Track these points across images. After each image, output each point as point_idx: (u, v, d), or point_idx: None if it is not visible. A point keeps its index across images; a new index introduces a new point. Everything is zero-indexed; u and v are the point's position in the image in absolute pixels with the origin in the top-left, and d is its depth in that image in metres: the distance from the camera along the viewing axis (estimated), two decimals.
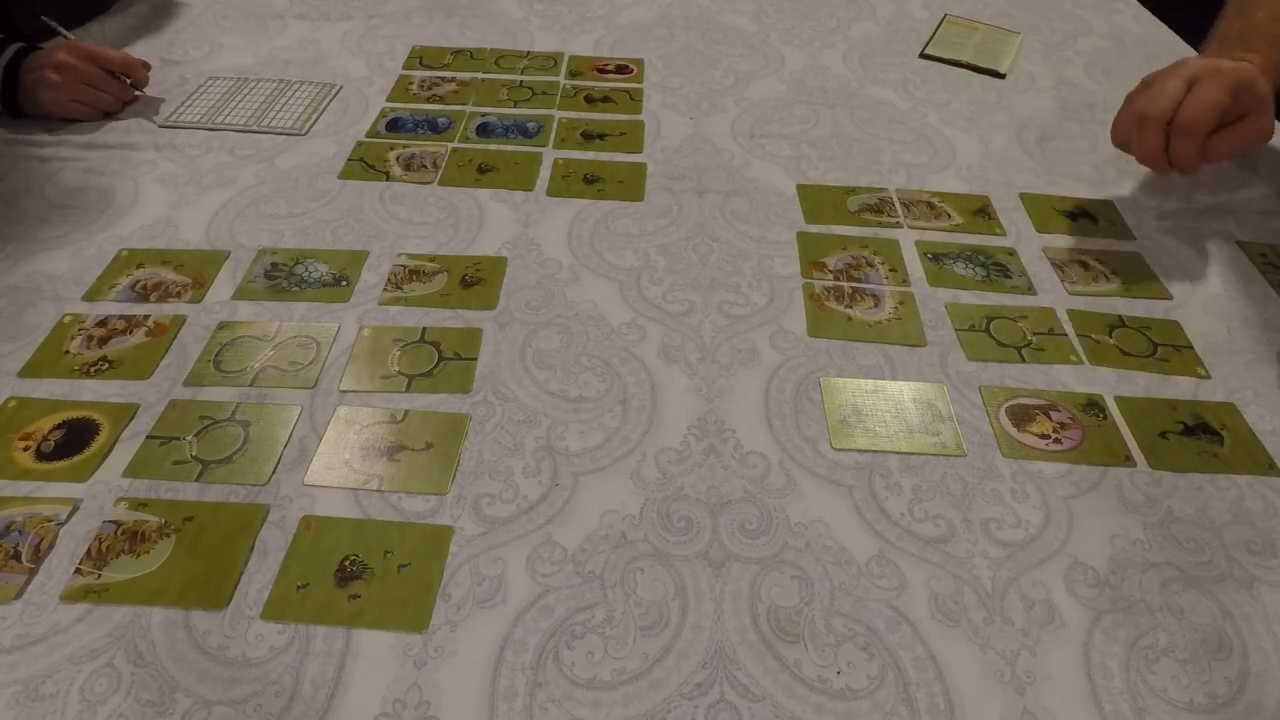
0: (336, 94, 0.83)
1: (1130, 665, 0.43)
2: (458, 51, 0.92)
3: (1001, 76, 0.91)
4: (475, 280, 0.63)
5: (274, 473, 0.49)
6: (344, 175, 0.73)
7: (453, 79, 0.87)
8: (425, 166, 0.74)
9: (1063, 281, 0.65)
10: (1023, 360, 0.59)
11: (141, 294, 0.60)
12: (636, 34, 0.97)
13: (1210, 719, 0.41)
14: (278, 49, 0.90)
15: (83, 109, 0.76)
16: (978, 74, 0.92)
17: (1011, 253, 0.68)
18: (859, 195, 0.73)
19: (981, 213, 0.72)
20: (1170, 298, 0.65)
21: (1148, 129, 0.62)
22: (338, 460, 0.50)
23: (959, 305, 0.63)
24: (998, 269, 0.66)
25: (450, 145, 0.77)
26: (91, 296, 0.60)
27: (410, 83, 0.86)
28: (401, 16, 0.98)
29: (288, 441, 0.51)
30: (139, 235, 0.66)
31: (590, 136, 0.79)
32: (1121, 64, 0.94)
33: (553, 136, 0.79)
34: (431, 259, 0.65)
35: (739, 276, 0.64)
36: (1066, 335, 0.61)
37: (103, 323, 0.58)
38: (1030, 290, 0.64)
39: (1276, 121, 0.66)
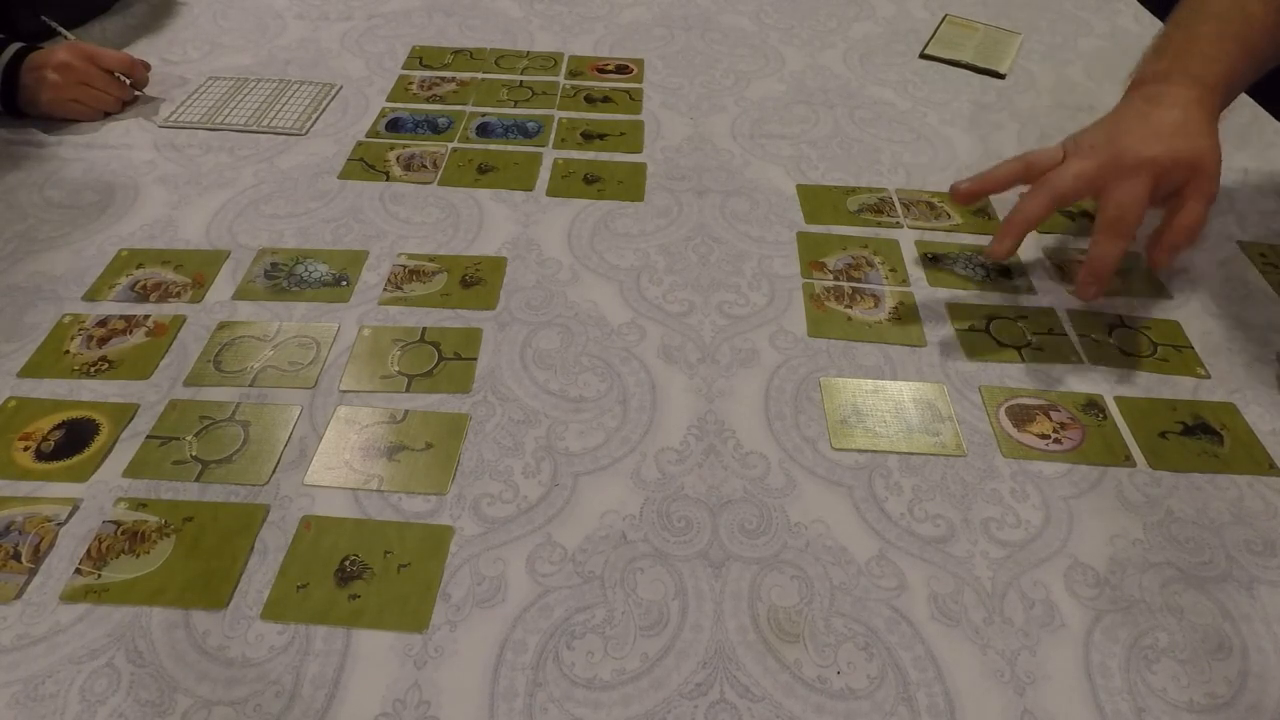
0: (336, 94, 0.83)
1: (1130, 665, 0.43)
2: (458, 51, 0.92)
3: (1001, 77, 0.91)
4: (475, 280, 0.63)
5: (274, 473, 0.49)
6: (344, 175, 0.73)
7: (453, 79, 0.87)
8: (425, 166, 0.74)
9: (1063, 282, 0.65)
10: (1023, 360, 0.59)
11: (141, 294, 0.60)
12: (636, 34, 0.97)
13: (1210, 719, 0.41)
14: (278, 49, 0.90)
15: (83, 109, 0.76)
16: (978, 74, 0.92)
17: None
18: (859, 195, 0.73)
19: (981, 213, 0.72)
20: (1170, 298, 0.65)
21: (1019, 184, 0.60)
22: (338, 460, 0.50)
23: (959, 305, 0.63)
24: (998, 269, 0.66)
25: (450, 145, 0.77)
26: (91, 296, 0.60)
27: (410, 83, 0.86)
28: (401, 16, 0.98)
29: (288, 441, 0.51)
30: (139, 235, 0.66)
31: (590, 136, 0.79)
32: (1121, 64, 0.94)
33: (553, 136, 0.79)
34: (431, 259, 0.65)
35: (739, 276, 0.64)
36: (1067, 335, 0.61)
37: (103, 323, 0.58)
38: (1030, 290, 0.64)
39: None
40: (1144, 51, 0.64)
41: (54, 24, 0.82)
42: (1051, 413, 0.55)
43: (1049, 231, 0.70)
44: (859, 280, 0.64)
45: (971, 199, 0.61)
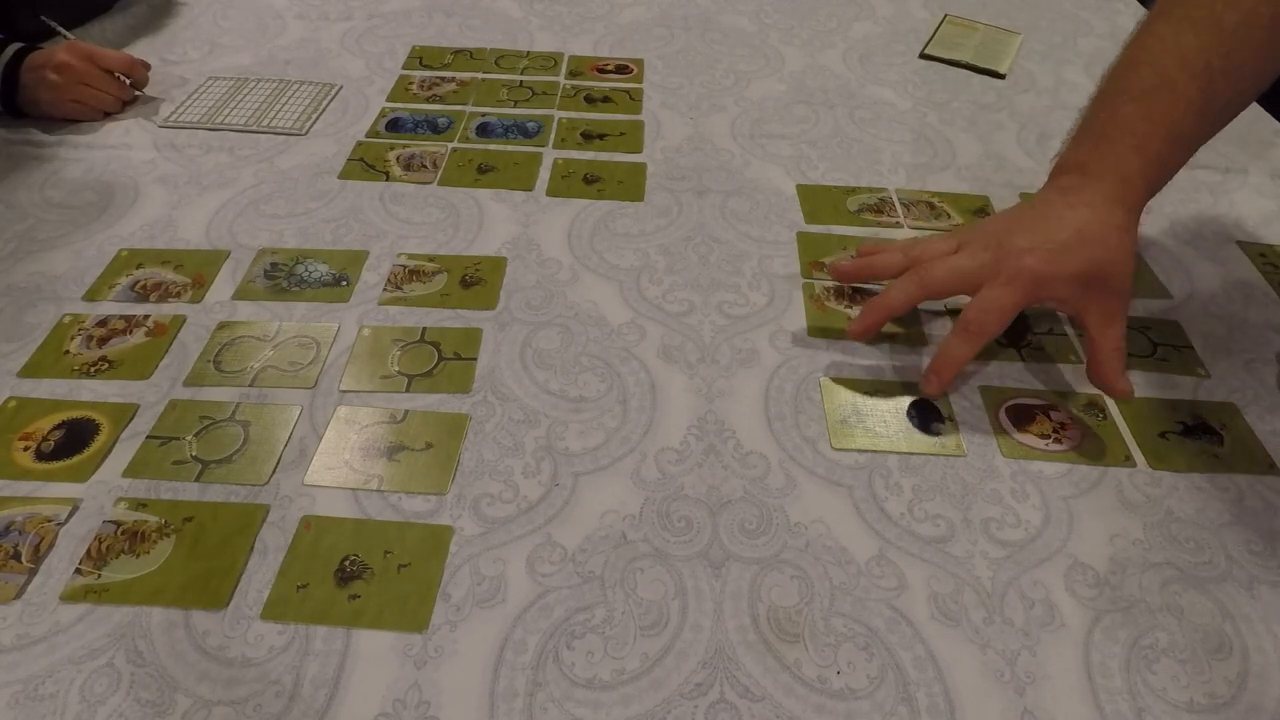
0: (336, 94, 0.83)
1: (1130, 665, 0.43)
2: (458, 51, 0.92)
3: (1001, 77, 0.91)
4: (475, 280, 0.63)
5: (274, 473, 0.49)
6: (344, 175, 0.73)
7: (453, 79, 0.87)
8: (425, 166, 0.74)
9: None
10: (1023, 360, 0.59)
11: (141, 294, 0.60)
12: (636, 34, 0.97)
13: (1210, 719, 0.41)
14: (278, 49, 0.90)
15: (83, 109, 0.76)
16: (978, 74, 0.92)
17: None
18: (859, 195, 0.73)
19: (981, 213, 0.72)
20: (1170, 297, 0.65)
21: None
22: (338, 460, 0.50)
23: (959, 302, 0.63)
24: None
25: (450, 145, 0.77)
26: (91, 296, 0.60)
27: (410, 83, 0.86)
28: (401, 16, 0.98)
29: (288, 441, 0.51)
30: (139, 235, 0.66)
31: (590, 136, 0.79)
32: None
33: (553, 136, 0.79)
34: (431, 259, 0.65)
35: (739, 276, 0.64)
36: (1066, 335, 0.61)
37: (103, 323, 0.58)
38: None
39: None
40: (1073, 124, 0.59)
41: (54, 24, 0.82)
42: (1051, 413, 0.55)
43: None
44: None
45: (850, 279, 0.62)
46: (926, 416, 0.54)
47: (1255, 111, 0.87)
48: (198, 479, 0.49)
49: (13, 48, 0.74)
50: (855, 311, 0.62)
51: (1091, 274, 0.52)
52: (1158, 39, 0.55)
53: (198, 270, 0.62)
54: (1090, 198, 0.53)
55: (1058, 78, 0.92)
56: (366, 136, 0.78)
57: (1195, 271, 0.67)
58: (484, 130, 0.79)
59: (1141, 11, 1.06)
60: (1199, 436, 0.54)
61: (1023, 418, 0.55)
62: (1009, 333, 0.57)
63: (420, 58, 0.90)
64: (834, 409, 0.55)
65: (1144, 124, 0.53)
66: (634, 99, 0.85)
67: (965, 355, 0.53)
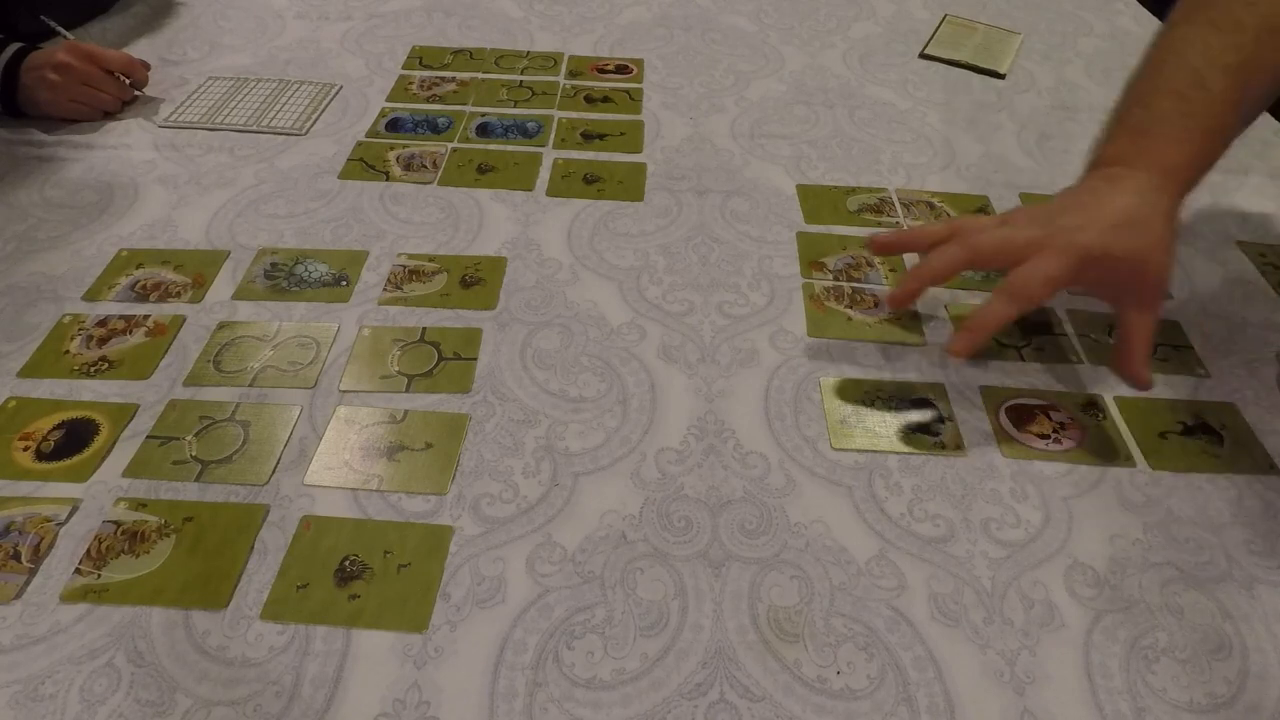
0: (336, 94, 0.83)
1: (1130, 665, 0.43)
2: (458, 51, 0.92)
3: (1001, 77, 0.91)
4: (475, 280, 0.63)
5: (274, 473, 0.49)
6: (344, 175, 0.73)
7: (453, 79, 0.87)
8: (425, 166, 0.74)
9: None
10: (1023, 360, 0.59)
11: (141, 294, 0.60)
12: (636, 34, 0.97)
13: (1210, 719, 0.41)
14: (278, 49, 0.90)
15: (82, 109, 0.76)
16: (978, 74, 0.92)
17: None
18: (859, 195, 0.73)
19: (981, 213, 0.72)
20: (1170, 298, 0.65)
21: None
22: (337, 460, 0.50)
23: (959, 305, 0.63)
24: (997, 269, 0.66)
25: (450, 145, 0.77)
26: (91, 296, 0.60)
27: (410, 83, 0.86)
28: (401, 16, 0.98)
29: (287, 441, 0.51)
30: (139, 235, 0.66)
31: (590, 136, 0.79)
32: (1121, 64, 0.94)
33: (552, 136, 0.79)
34: (431, 259, 0.65)
35: (739, 276, 0.64)
36: (1067, 335, 0.61)
37: (102, 323, 0.58)
38: None
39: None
40: (1104, 123, 0.58)
41: (54, 24, 0.82)
42: (1051, 413, 0.55)
43: None
44: (859, 280, 0.64)
45: (888, 250, 0.61)
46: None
47: None
48: (198, 479, 0.49)
49: (12, 48, 0.74)
50: (855, 312, 0.62)
51: (1136, 259, 0.51)
52: (1184, 40, 0.56)
53: (198, 270, 0.62)
54: (1136, 185, 0.52)
55: (1058, 78, 0.92)
56: (366, 136, 0.78)
57: (1195, 271, 0.67)
58: (484, 130, 0.79)
59: (1141, 11, 1.06)
60: (1199, 436, 0.54)
61: (1023, 418, 0.55)
62: (1024, 325, 0.56)
63: (420, 58, 0.90)
64: (834, 409, 0.55)
65: (1182, 119, 0.53)
66: (634, 99, 0.85)
67: (1005, 317, 0.51)
